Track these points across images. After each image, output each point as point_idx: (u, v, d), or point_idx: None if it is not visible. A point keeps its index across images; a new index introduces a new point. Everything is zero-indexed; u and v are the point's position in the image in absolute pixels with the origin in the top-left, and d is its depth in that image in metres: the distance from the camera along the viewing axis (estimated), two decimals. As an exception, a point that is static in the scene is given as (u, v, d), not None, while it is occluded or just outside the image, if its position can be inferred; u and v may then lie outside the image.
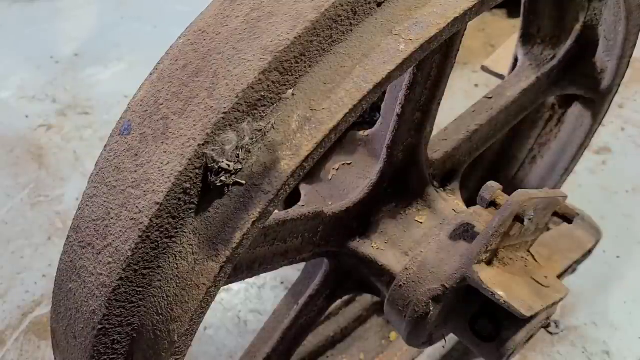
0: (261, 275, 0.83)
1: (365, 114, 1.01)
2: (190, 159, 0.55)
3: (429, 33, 0.60)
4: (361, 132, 0.98)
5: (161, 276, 0.57)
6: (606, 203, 1.68)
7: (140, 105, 0.60)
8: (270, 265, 0.82)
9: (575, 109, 1.23)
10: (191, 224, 0.57)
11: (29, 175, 1.84)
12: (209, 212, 0.57)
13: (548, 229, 1.11)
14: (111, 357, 0.59)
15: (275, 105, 0.57)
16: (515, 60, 1.16)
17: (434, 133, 0.93)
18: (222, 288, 0.64)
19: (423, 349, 1.26)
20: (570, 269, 1.48)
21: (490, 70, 2.06)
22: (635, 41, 1.03)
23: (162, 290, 0.57)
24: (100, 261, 0.58)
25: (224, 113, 0.55)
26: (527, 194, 0.77)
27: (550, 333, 1.40)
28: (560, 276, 1.43)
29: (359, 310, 1.38)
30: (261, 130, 0.57)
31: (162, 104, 0.59)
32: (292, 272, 1.48)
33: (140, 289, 0.57)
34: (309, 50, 0.58)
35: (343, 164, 0.97)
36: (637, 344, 1.38)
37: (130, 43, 2.37)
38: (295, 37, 0.57)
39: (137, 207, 0.56)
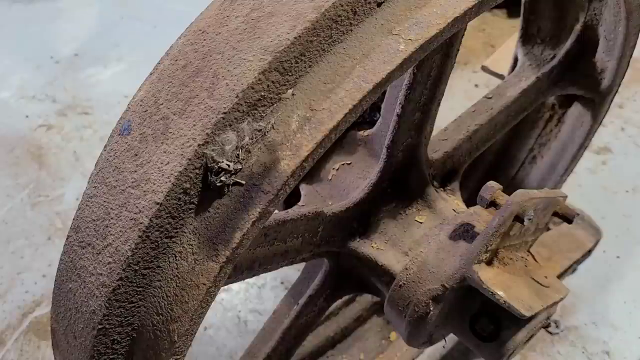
0: (261, 275, 0.83)
1: (365, 114, 1.01)
2: (190, 159, 0.55)
3: (429, 33, 0.60)
4: (361, 132, 0.98)
5: (161, 276, 0.57)
6: (606, 203, 1.68)
7: (140, 105, 0.60)
8: (270, 265, 0.82)
9: (575, 109, 1.23)
10: (191, 224, 0.57)
11: (29, 175, 1.84)
12: (209, 212, 0.57)
13: (548, 229, 1.11)
14: (111, 357, 0.59)
15: (275, 105, 0.57)
16: (515, 60, 1.16)
17: (434, 133, 0.93)
18: (222, 288, 0.64)
19: (423, 349, 1.26)
20: (570, 269, 1.48)
21: (490, 70, 2.06)
22: (635, 41, 1.03)
23: (162, 290, 0.57)
24: (100, 261, 0.58)
25: (224, 113, 0.55)
26: (527, 194, 0.77)
27: (550, 333, 1.40)
28: (560, 276, 1.44)
29: (359, 310, 1.38)
30: (261, 130, 0.57)
31: (162, 104, 0.59)
32: (292, 272, 1.48)
33: (140, 289, 0.57)
34: (309, 50, 0.58)
35: (343, 164, 0.97)
36: (637, 344, 1.38)
37: (130, 43, 2.37)
38: (295, 37, 0.57)
39: (137, 207, 0.56)
